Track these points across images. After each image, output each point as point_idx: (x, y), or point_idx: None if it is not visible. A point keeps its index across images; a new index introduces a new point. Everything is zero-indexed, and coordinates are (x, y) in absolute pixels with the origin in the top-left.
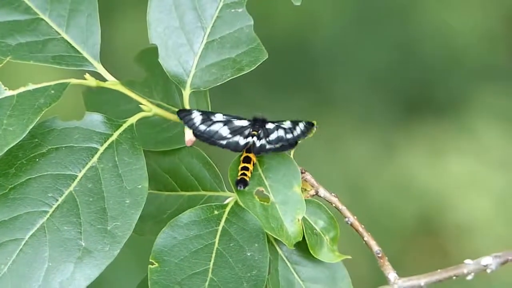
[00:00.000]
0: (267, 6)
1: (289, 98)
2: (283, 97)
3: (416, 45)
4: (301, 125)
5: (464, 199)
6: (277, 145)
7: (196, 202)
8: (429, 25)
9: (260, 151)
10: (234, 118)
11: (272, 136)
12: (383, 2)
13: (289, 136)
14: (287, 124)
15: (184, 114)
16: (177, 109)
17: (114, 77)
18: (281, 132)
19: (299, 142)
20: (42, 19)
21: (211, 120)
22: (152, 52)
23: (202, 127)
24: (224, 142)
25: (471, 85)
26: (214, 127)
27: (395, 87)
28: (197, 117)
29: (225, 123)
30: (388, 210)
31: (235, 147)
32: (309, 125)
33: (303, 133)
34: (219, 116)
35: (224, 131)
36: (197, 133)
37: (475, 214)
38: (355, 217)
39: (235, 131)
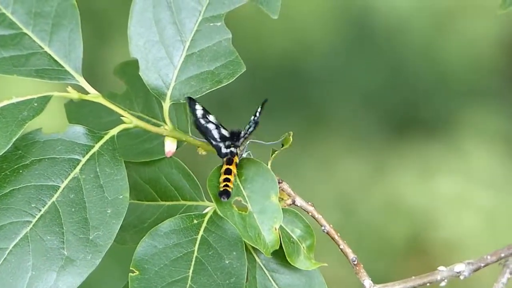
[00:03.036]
0: (260, 28)
1: (282, 118)
2: (276, 116)
3: (406, 66)
4: (258, 109)
5: (453, 217)
6: (247, 135)
7: (176, 211)
8: (418, 47)
9: (239, 152)
10: (221, 126)
11: (242, 134)
12: (373, 25)
13: (251, 124)
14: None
15: (191, 103)
16: (157, 121)
17: (102, 89)
18: (246, 128)
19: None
20: (25, 34)
21: (207, 118)
22: (132, 65)
23: (202, 121)
24: (214, 142)
25: (460, 105)
26: (210, 126)
27: (386, 108)
28: (199, 110)
29: (216, 127)
30: (378, 228)
31: (219, 153)
32: (262, 105)
33: (260, 113)
34: (212, 118)
35: (215, 133)
36: (197, 124)
37: (463, 232)
38: (331, 225)
39: (221, 138)
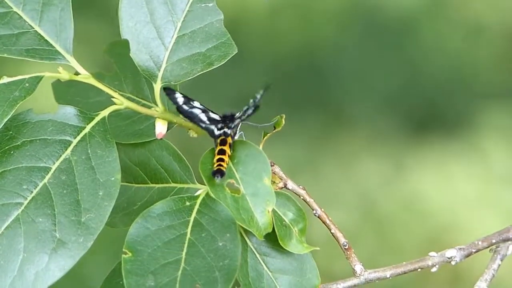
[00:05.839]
0: (278, 27)
1: (300, 118)
2: (294, 117)
3: (424, 65)
4: (260, 92)
5: (473, 216)
6: (244, 117)
7: (166, 194)
8: (437, 45)
9: (232, 134)
10: (209, 110)
11: (237, 115)
12: (392, 23)
13: (251, 106)
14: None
15: (169, 92)
16: (147, 102)
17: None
18: (244, 109)
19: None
20: (15, 13)
21: (191, 104)
22: (121, 45)
23: (185, 107)
24: (203, 125)
25: (479, 104)
26: (195, 111)
27: (405, 107)
28: (179, 97)
29: (203, 111)
30: (397, 227)
31: (211, 134)
32: (265, 88)
33: (262, 97)
34: (197, 104)
35: (203, 117)
36: (181, 110)
37: (483, 231)
38: (322, 209)
39: (211, 121)
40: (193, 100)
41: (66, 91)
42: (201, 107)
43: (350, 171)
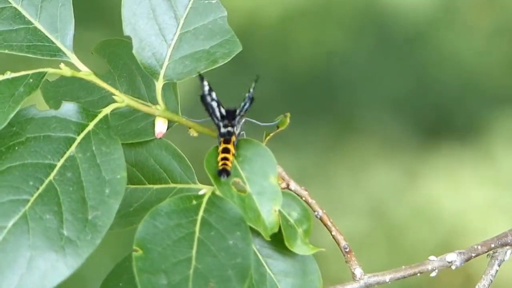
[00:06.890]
0: (287, 35)
1: (311, 126)
2: (304, 125)
3: (434, 71)
4: (252, 85)
5: (484, 223)
6: (242, 112)
7: (166, 195)
8: (448, 51)
9: (236, 131)
10: (220, 105)
11: (238, 112)
12: (404, 31)
13: (246, 101)
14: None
15: (201, 78)
16: (143, 101)
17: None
18: (241, 105)
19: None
20: (14, 8)
21: (211, 95)
22: (113, 44)
23: (209, 98)
24: (216, 121)
25: (490, 111)
26: (214, 104)
27: (416, 114)
28: (206, 86)
29: (217, 104)
30: (409, 233)
31: (219, 132)
32: (255, 80)
33: (254, 89)
34: (214, 95)
35: (217, 112)
36: (205, 101)
37: None
38: (324, 211)
39: (221, 117)
40: (212, 91)
41: (55, 92)
42: (216, 100)
43: (361, 178)
